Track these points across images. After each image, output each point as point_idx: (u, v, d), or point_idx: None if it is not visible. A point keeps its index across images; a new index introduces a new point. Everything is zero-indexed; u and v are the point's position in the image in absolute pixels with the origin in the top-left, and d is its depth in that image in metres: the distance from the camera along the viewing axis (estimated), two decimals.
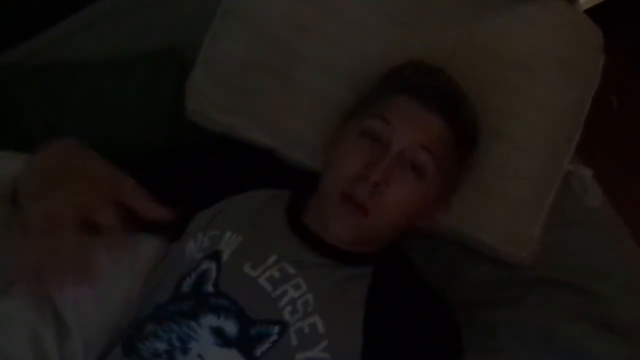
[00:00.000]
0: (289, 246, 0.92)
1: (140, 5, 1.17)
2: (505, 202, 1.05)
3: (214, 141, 1.09)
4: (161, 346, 0.84)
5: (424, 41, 1.06)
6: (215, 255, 0.90)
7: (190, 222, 0.97)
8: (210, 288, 0.87)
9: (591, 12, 1.25)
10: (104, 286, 0.94)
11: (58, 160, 0.78)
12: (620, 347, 0.99)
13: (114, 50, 1.12)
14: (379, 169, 0.87)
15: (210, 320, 0.84)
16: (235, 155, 1.06)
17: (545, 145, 1.07)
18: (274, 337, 0.84)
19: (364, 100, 1.00)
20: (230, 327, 0.84)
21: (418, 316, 0.93)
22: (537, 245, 1.06)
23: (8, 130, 1.01)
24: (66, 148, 0.80)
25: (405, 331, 0.90)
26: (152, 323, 0.87)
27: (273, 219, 0.96)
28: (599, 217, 1.14)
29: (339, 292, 0.89)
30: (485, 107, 1.03)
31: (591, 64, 1.12)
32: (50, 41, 1.12)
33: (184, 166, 1.01)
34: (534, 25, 1.08)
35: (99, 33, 1.14)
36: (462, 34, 1.07)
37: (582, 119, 1.10)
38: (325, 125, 1.04)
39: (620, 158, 1.92)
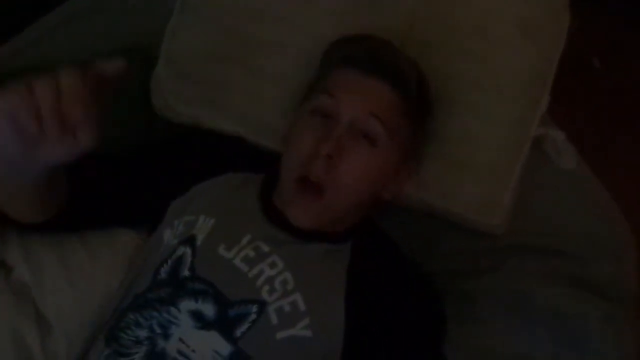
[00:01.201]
0: (261, 226, 0.95)
1: (107, 5, 1.19)
2: (473, 171, 1.08)
3: (185, 133, 1.12)
4: (142, 333, 0.88)
5: (380, 15, 1.08)
6: (189, 240, 0.93)
7: (166, 212, 1.00)
8: (186, 272, 0.90)
9: None
10: (83, 281, 0.98)
11: None
12: (597, 306, 1.02)
13: (83, 51, 1.14)
14: (329, 141, 0.90)
15: (188, 304, 0.87)
16: (206, 142, 1.09)
17: (509, 111, 1.09)
18: (253, 317, 0.87)
19: (312, 80, 1.03)
20: (209, 310, 0.87)
21: (400, 289, 0.96)
22: (509, 212, 1.09)
23: None
24: None
25: (388, 305, 0.93)
26: (132, 312, 0.90)
27: (246, 201, 0.99)
28: (573, 179, 1.16)
29: (318, 268, 0.93)
30: (447, 76, 1.06)
31: (555, 24, 1.12)
32: (17, 48, 1.14)
33: (155, 159, 1.03)
34: None
35: (66, 36, 1.16)
36: (419, 4, 1.09)
37: (549, 82, 1.11)
38: (290, 109, 1.07)
39: (602, 120, 1.94)
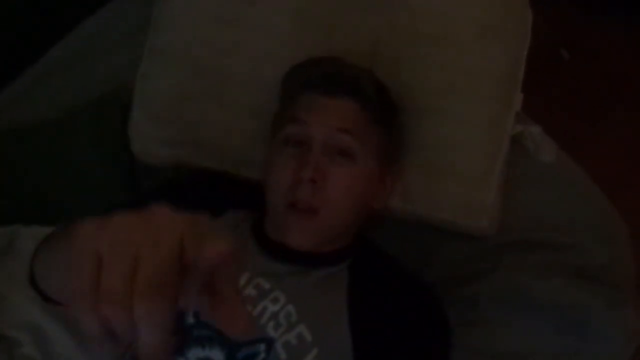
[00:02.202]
0: (258, 262, 0.96)
1: (77, 58, 1.22)
2: (454, 176, 1.10)
3: (172, 182, 1.13)
4: None
5: (346, 36, 1.11)
6: None
7: None
8: (190, 320, 0.91)
9: None
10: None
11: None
12: (596, 293, 1.04)
13: (60, 106, 1.16)
14: (309, 166, 0.93)
15: (196, 352, 0.88)
16: (196, 187, 1.09)
17: (483, 114, 1.11)
18: (262, 356, 0.87)
19: (277, 111, 1.06)
20: (217, 355, 0.87)
21: (402, 304, 0.97)
22: (496, 212, 1.10)
23: None
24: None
25: (393, 321, 0.94)
26: None
27: (241, 239, 1.00)
28: (556, 170, 1.18)
29: (318, 296, 0.94)
30: (419, 86, 1.09)
31: (518, 23, 1.15)
32: (3, 106, 1.16)
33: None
34: None
35: (45, 91, 1.18)
36: (383, 22, 1.12)
37: (518, 80, 1.14)
38: (266, 139, 1.08)
39: (576, 109, 1.97)
